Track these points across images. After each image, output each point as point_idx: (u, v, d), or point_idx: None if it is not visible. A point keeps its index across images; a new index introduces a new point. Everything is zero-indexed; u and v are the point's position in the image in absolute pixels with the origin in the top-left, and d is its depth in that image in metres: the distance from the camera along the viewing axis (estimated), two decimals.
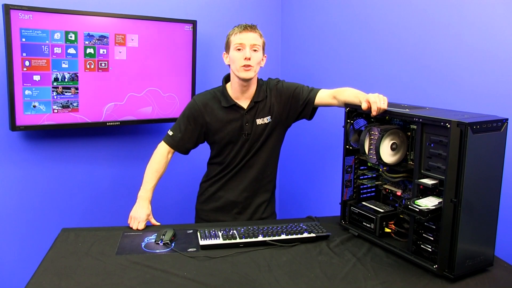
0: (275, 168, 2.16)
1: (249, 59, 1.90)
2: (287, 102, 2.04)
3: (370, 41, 2.46)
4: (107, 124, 2.59)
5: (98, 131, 2.76)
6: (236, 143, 2.03)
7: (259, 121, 2.02)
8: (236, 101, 2.01)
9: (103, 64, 2.51)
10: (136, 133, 2.88)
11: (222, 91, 2.03)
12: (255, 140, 2.03)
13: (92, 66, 2.48)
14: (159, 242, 1.71)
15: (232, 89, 2.02)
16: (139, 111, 2.67)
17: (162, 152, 2.03)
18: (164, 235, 1.74)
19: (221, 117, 2.01)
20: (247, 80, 1.95)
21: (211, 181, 2.13)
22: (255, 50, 1.93)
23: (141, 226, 1.85)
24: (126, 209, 2.86)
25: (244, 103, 2.02)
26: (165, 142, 2.05)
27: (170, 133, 2.04)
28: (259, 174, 2.08)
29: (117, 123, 2.61)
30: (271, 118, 2.03)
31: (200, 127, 2.03)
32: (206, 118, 2.01)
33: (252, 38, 1.92)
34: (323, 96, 2.01)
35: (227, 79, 2.06)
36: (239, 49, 1.91)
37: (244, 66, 1.90)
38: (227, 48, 1.98)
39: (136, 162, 2.90)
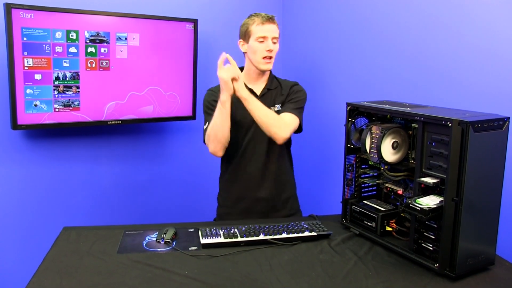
0: (289, 161, 2.16)
1: (271, 51, 1.96)
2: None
3: (371, 40, 2.45)
4: (108, 123, 2.59)
5: (99, 130, 2.76)
6: (248, 129, 2.03)
7: (272, 109, 2.02)
8: (250, 87, 2.03)
9: (104, 63, 2.51)
10: (137, 132, 2.88)
11: None
12: None
13: (93, 65, 2.48)
14: (160, 240, 1.71)
15: (246, 76, 2.05)
16: (140, 110, 2.67)
17: None
18: (165, 233, 1.75)
19: (236, 101, 1.98)
20: (264, 72, 2.01)
21: (227, 173, 2.12)
22: (274, 42, 1.98)
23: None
24: (127, 208, 2.89)
25: (258, 90, 2.05)
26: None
27: (207, 124, 1.99)
28: (271, 163, 2.07)
29: (118, 122, 2.61)
30: (281, 107, 2.05)
31: None
32: None
33: (273, 31, 1.97)
34: None
35: (240, 69, 2.08)
36: (261, 41, 1.95)
37: (266, 58, 1.95)
38: (246, 37, 2.00)
39: (137, 161, 2.90)
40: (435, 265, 1.49)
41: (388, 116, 1.76)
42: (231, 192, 2.12)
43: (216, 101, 1.96)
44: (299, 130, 2.06)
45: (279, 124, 1.91)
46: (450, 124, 1.41)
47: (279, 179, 2.12)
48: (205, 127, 2.00)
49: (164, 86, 2.72)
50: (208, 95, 2.05)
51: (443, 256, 1.47)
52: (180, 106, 2.79)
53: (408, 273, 1.52)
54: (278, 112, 2.03)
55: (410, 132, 1.69)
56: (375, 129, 1.70)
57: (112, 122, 2.60)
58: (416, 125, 1.63)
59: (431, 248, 1.54)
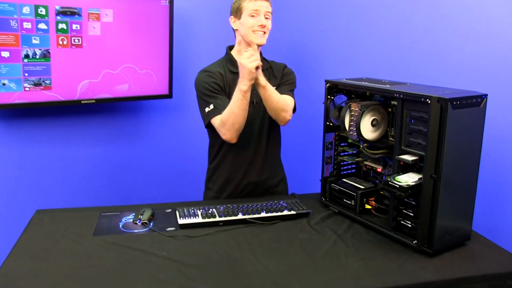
0: (279, 143, 2.16)
1: (264, 26, 1.94)
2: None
3: (350, 16, 2.43)
4: (82, 102, 2.52)
5: (72, 110, 2.69)
6: None
7: None
8: None
9: (76, 40, 2.43)
10: (112, 111, 2.82)
11: (229, 58, 2.03)
12: (263, 110, 1.99)
13: (64, 42, 2.39)
14: (137, 221, 1.71)
15: (238, 54, 2.00)
16: (115, 88, 2.61)
17: None
18: (142, 214, 1.74)
19: (230, 82, 1.97)
20: (257, 46, 1.97)
21: (217, 158, 2.09)
22: (267, 18, 1.96)
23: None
24: (102, 190, 2.85)
25: None
26: (214, 116, 1.90)
27: (211, 106, 1.91)
28: (265, 148, 2.07)
29: (92, 101, 2.55)
30: (276, 88, 2.02)
31: (223, 90, 1.97)
32: (220, 83, 1.96)
33: (266, 6, 1.96)
34: None
35: (230, 47, 2.06)
36: (253, 16, 1.93)
37: (259, 31, 1.94)
38: (237, 13, 1.96)
39: (112, 141, 2.85)
40: (413, 242, 1.51)
41: (368, 93, 1.76)
42: (221, 175, 2.09)
43: (217, 84, 1.93)
44: (293, 110, 2.06)
45: (288, 108, 1.95)
46: (429, 101, 1.41)
47: (270, 162, 2.11)
48: (207, 110, 1.92)
49: (139, 64, 2.66)
50: (205, 77, 1.97)
51: (421, 233, 1.49)
52: (156, 84, 2.73)
53: (387, 250, 1.54)
54: None
55: (390, 110, 1.69)
56: (354, 106, 1.69)
57: (86, 102, 2.53)
58: (395, 103, 1.63)
59: (410, 225, 1.55)
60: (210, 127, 1.97)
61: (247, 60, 1.73)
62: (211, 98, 1.93)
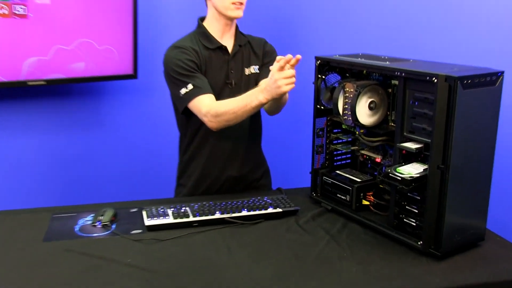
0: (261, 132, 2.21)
1: None
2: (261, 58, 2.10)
3: None
4: (29, 83, 2.48)
5: (17, 93, 2.66)
6: (220, 95, 1.97)
7: (247, 71, 2.03)
8: (221, 43, 2.00)
9: (19, 9, 2.37)
10: (66, 94, 2.80)
11: (202, 32, 2.01)
12: (242, 92, 1.97)
13: (5, 12, 2.34)
14: (97, 224, 1.70)
15: (211, 27, 2.01)
16: (69, 67, 2.58)
17: (210, 100, 1.88)
18: (102, 215, 1.73)
19: (206, 60, 1.96)
20: (233, 19, 1.99)
21: (190, 149, 2.08)
22: None
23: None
24: (55, 187, 2.81)
25: (228, 45, 2.02)
26: (197, 97, 1.88)
27: (188, 87, 1.89)
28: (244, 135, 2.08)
29: (41, 82, 2.51)
30: (259, 69, 2.06)
31: (200, 68, 1.95)
32: (196, 61, 1.95)
33: None
34: None
35: (202, 19, 2.06)
36: None
37: (236, 3, 1.93)
38: None
39: (66, 130, 2.83)
40: (418, 243, 1.51)
41: (364, 71, 1.76)
42: (195, 169, 2.09)
43: (193, 61, 1.92)
44: None
45: (285, 101, 2.02)
46: (435, 80, 1.40)
47: (252, 153, 2.13)
48: (184, 92, 1.90)
49: (98, 39, 2.62)
50: (177, 53, 1.95)
51: (428, 232, 1.49)
52: (118, 63, 2.71)
53: (388, 252, 1.54)
54: (255, 75, 2.05)
55: (390, 90, 1.69)
56: (349, 86, 1.69)
57: (33, 83, 2.50)
58: (396, 82, 1.63)
59: (414, 224, 1.56)
60: (186, 113, 1.95)
61: (284, 81, 1.70)
62: (187, 77, 1.90)
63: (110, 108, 2.92)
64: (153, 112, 2.94)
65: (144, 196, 2.19)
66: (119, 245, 1.56)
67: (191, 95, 1.88)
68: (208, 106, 1.85)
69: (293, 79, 1.72)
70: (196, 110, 1.89)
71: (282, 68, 1.69)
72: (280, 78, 1.70)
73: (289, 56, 1.69)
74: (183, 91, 1.90)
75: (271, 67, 1.73)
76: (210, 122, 1.87)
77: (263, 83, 1.84)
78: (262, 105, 1.81)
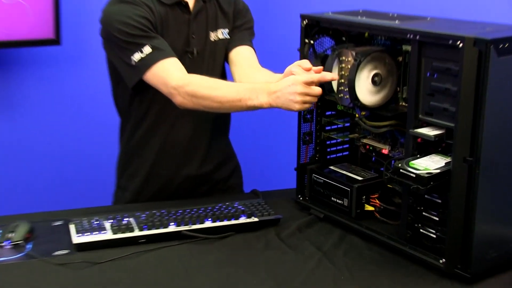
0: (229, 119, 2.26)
1: None
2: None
3: None
4: None
5: None
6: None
7: (213, 36, 2.04)
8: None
9: None
10: None
11: None
12: (207, 65, 2.01)
13: None
14: (4, 243, 1.68)
15: None
16: None
17: (179, 68, 1.89)
18: (13, 232, 1.71)
19: (162, 18, 1.97)
20: None
21: (135, 139, 2.08)
22: None
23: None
24: None
25: (189, 3, 2.02)
26: (159, 62, 1.87)
27: (144, 50, 1.87)
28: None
29: None
30: (228, 33, 2.09)
31: (155, 29, 1.95)
32: (150, 18, 1.93)
33: None
34: (237, 60, 2.08)
35: None
36: None
37: None
38: None
39: None
40: (440, 261, 1.51)
41: (366, 34, 1.77)
42: (141, 166, 2.10)
43: (147, 19, 1.90)
44: None
45: None
46: (461, 44, 1.39)
47: (218, 145, 2.16)
48: (138, 58, 1.88)
49: None
50: (124, 9, 1.92)
51: (452, 247, 1.49)
52: (33, 23, 2.69)
53: (399, 274, 1.54)
54: (224, 41, 2.08)
55: (400, 59, 1.70)
56: (345, 55, 1.70)
57: None
58: (408, 48, 1.62)
59: (434, 236, 1.56)
60: (137, 89, 1.95)
61: (304, 99, 1.69)
62: (142, 38, 1.88)
63: (24, 85, 2.91)
64: (82, 90, 2.92)
65: (71, 205, 2.17)
66: (37, 272, 1.54)
67: (149, 61, 1.86)
68: (180, 79, 1.85)
69: (315, 100, 1.75)
70: (158, 82, 1.87)
71: (311, 83, 1.69)
72: (303, 93, 1.68)
73: (324, 74, 1.71)
74: (136, 56, 1.87)
75: (293, 70, 1.73)
76: (182, 99, 1.85)
77: (275, 85, 1.80)
78: (260, 108, 1.80)
